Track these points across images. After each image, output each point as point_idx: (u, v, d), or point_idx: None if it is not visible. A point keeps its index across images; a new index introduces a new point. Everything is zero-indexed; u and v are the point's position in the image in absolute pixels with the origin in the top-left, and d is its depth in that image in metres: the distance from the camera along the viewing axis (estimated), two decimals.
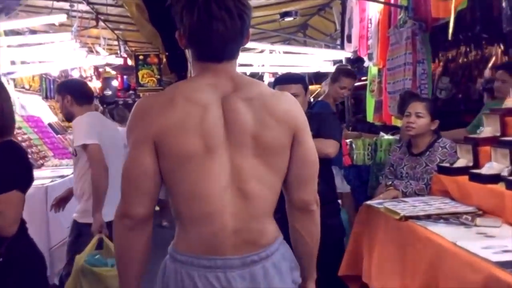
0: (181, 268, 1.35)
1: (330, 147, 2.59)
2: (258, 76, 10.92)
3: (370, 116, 5.15)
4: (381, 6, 4.74)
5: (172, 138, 1.28)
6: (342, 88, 3.82)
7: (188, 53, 1.47)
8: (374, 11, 4.99)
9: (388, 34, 4.43)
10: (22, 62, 6.47)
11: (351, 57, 5.72)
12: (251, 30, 1.44)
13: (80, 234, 2.97)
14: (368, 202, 2.53)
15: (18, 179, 1.89)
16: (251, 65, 7.95)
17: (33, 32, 6.10)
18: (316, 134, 2.67)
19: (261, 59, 7.67)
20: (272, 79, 10.50)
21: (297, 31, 8.41)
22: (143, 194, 1.31)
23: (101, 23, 6.39)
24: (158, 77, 8.53)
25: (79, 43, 5.04)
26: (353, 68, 6.54)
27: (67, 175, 4.43)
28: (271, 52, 8.13)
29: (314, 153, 1.48)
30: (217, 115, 1.31)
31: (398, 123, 4.53)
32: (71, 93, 3.05)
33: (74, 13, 5.20)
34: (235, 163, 1.32)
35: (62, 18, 4.04)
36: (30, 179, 1.98)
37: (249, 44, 5.78)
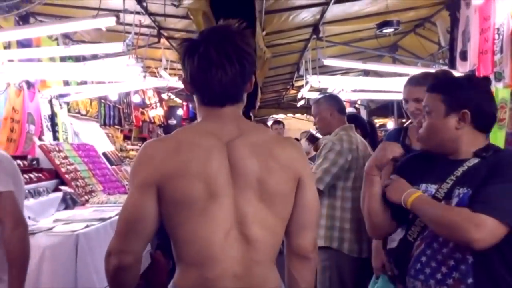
0: None
1: (479, 230, 1.42)
2: None
3: None
4: None
5: (175, 183, 1.30)
6: (405, 101, 2.41)
7: (195, 98, 1.44)
8: (504, 17, 3.84)
9: None
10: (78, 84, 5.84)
11: None
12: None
13: None
14: None
15: None
16: (326, 89, 6.91)
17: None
18: (473, 194, 1.51)
19: (338, 82, 6.57)
20: (351, 109, 9.39)
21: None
22: (139, 237, 1.34)
23: (164, 42, 5.60)
24: None
25: (134, 59, 4.21)
26: None
27: (108, 218, 3.55)
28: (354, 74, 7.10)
29: (316, 199, 1.48)
30: (221, 160, 1.33)
31: None
32: None
33: (128, 23, 4.39)
34: (239, 208, 1.33)
35: (110, 21, 3.22)
36: None
37: (331, 62, 4.76)
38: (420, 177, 1.69)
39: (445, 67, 5.16)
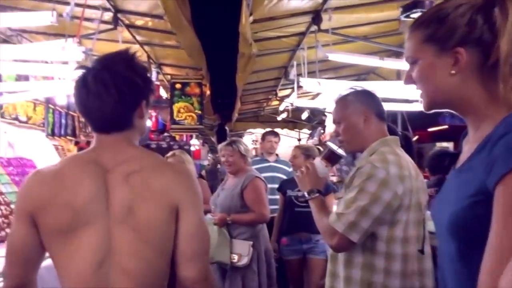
0: None
1: None
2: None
3: None
4: None
5: (45, 213, 1.32)
6: None
7: None
8: None
9: None
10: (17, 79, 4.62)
11: None
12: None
13: None
14: None
15: None
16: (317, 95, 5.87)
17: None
18: None
19: (342, 87, 5.54)
20: None
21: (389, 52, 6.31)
22: (20, 263, 1.37)
23: (123, 30, 4.45)
24: (199, 112, 6.35)
25: (76, 43, 3.05)
26: None
27: None
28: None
29: (200, 226, 1.41)
30: (95, 189, 1.34)
31: None
32: None
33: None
34: (113, 237, 1.32)
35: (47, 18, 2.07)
36: None
37: (339, 57, 3.60)
38: None
39: None
